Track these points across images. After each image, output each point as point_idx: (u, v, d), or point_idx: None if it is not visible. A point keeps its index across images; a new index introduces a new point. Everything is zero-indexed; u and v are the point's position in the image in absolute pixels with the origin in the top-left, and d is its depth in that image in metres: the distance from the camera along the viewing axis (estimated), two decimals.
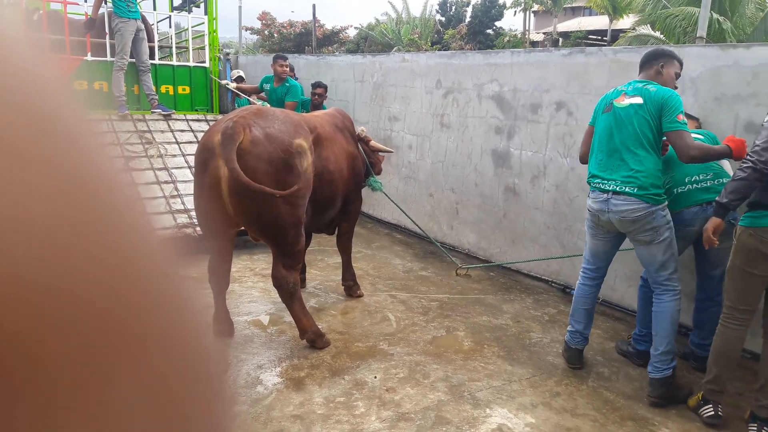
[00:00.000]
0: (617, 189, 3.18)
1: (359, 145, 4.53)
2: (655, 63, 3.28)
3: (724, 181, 3.29)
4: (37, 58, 0.22)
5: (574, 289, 4.71)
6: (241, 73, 8.11)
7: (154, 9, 8.64)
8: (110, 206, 0.23)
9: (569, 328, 3.58)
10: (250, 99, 6.80)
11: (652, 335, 3.24)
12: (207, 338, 0.27)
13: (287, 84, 6.34)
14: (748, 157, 2.81)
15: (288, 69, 6.52)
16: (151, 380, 0.22)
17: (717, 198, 2.93)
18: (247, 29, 24.11)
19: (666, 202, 3.19)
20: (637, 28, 16.22)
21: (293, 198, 3.39)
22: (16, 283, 0.18)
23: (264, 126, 3.39)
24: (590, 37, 28.31)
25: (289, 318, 3.77)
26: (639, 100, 3.17)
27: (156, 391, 0.23)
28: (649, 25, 15.32)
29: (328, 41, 24.05)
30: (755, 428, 2.86)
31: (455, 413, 3.02)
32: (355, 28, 26.90)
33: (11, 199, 0.19)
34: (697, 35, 4.31)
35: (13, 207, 0.18)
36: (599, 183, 3.28)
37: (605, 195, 3.23)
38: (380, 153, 4.85)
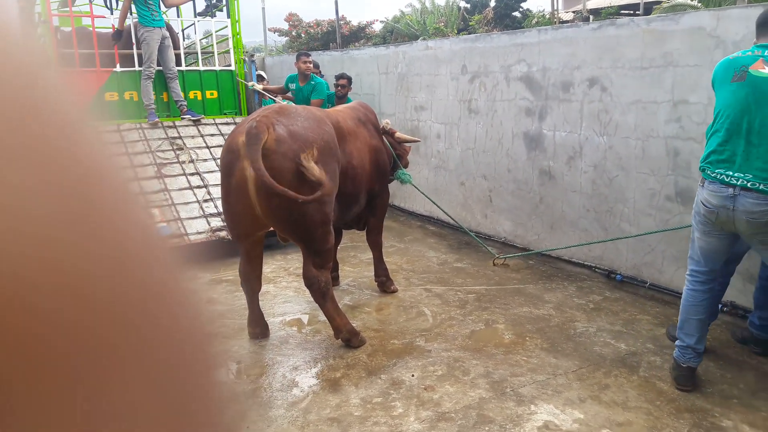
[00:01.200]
0: (749, 185, 2.61)
1: (385, 138, 4.42)
2: None
3: None
4: (39, 64, 0.22)
5: (619, 274, 4.53)
6: (263, 73, 8.12)
7: (178, 16, 8.69)
8: (109, 202, 0.23)
9: (678, 343, 3.07)
10: (276, 99, 6.77)
11: None
12: (208, 333, 0.27)
13: (312, 82, 6.34)
14: None
15: (312, 65, 6.49)
16: (152, 376, 0.22)
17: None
18: (275, 31, 24.29)
19: None
20: None
21: (322, 196, 3.33)
22: (15, 279, 0.18)
23: (287, 124, 3.35)
24: (622, 12, 27.43)
25: (323, 317, 3.70)
26: None
27: (157, 387, 0.22)
28: None
29: (354, 37, 23.98)
30: None
31: (498, 411, 2.88)
32: (381, 22, 26.75)
33: (7, 196, 0.19)
34: None
35: (9, 203, 0.19)
36: (722, 174, 2.70)
37: (730, 190, 2.67)
38: (407, 144, 4.74)
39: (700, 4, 13.71)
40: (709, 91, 3.75)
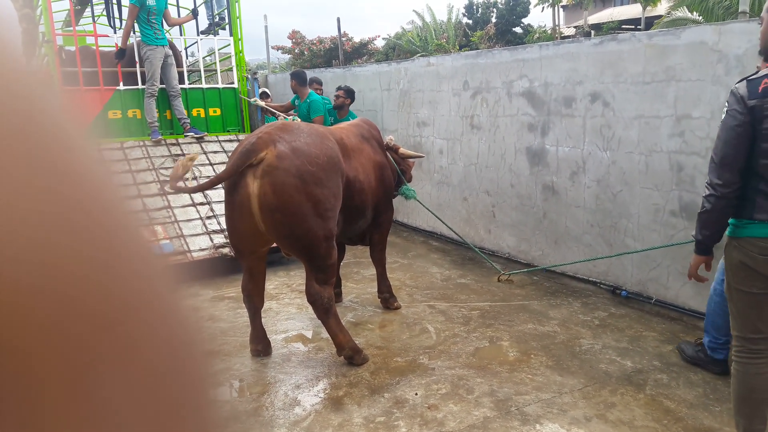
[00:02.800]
0: None
1: (389, 154, 4.43)
2: None
3: None
4: (38, 80, 0.23)
5: (624, 290, 4.48)
6: (266, 90, 8.16)
7: (181, 34, 8.76)
8: (99, 205, 0.23)
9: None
10: (280, 116, 6.80)
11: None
12: (197, 337, 0.27)
13: (308, 100, 6.37)
14: (707, 184, 2.36)
15: (296, 83, 6.55)
16: (141, 379, 0.22)
17: (693, 233, 2.50)
18: (278, 49, 24.51)
19: None
20: (672, 12, 15.63)
21: (323, 210, 3.33)
22: (3, 282, 0.18)
23: (290, 140, 3.36)
24: (623, 27, 27.59)
25: (326, 334, 3.67)
26: None
27: (146, 390, 0.22)
28: (685, 8, 14.75)
29: (357, 54, 24.17)
30: None
31: (503, 431, 2.84)
32: (383, 38, 26.97)
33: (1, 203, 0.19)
34: (740, 10, 4.04)
35: (4, 210, 0.19)
36: None
37: None
38: (411, 159, 4.74)
39: (701, 18, 13.77)
40: (712, 105, 3.75)
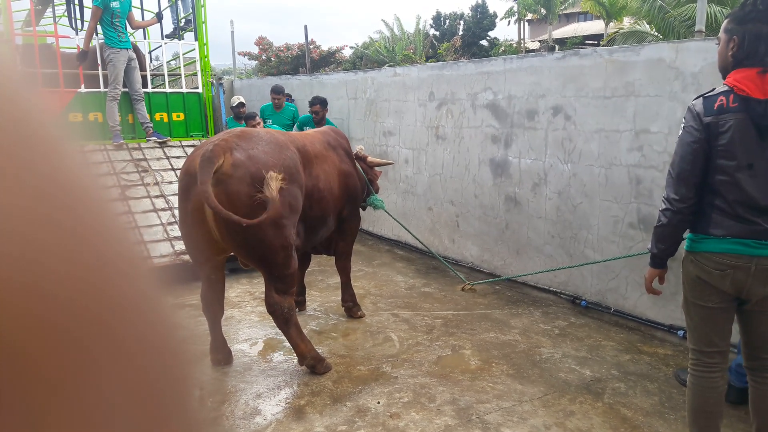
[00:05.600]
0: None
1: (358, 164, 4.42)
2: None
3: None
4: (18, 79, 0.23)
5: (584, 300, 4.57)
6: (242, 99, 7.95)
7: (145, 38, 8.62)
8: (88, 208, 0.23)
9: None
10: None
11: None
12: (181, 338, 0.27)
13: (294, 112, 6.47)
14: (663, 198, 2.40)
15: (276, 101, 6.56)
16: (130, 380, 0.22)
17: (649, 247, 2.54)
18: (245, 55, 24.32)
19: None
20: (632, 26, 16.11)
21: (278, 220, 3.27)
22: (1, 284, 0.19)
23: (247, 148, 3.30)
24: (587, 42, 28.28)
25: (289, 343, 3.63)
26: None
27: (134, 391, 0.22)
28: (645, 22, 15.22)
29: (324, 62, 24.16)
30: None
31: None
32: (351, 47, 27.06)
33: None
34: (696, 30, 4.19)
35: None
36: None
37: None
38: (378, 168, 4.75)
39: (658, 33, 14.20)
40: (669, 120, 3.87)
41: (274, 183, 3.18)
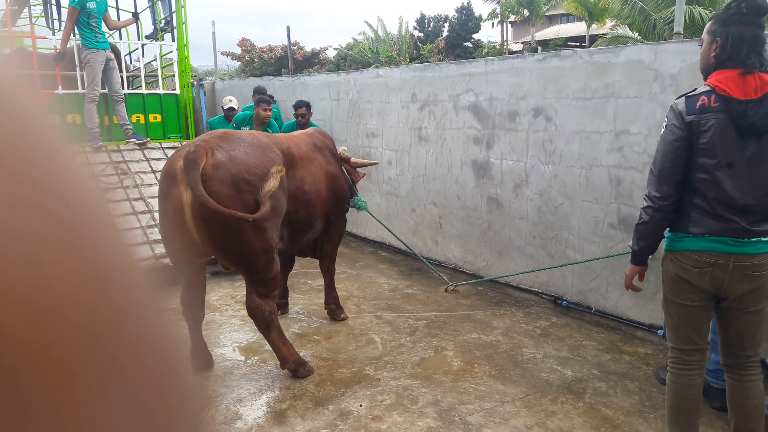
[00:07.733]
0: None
1: (342, 165, 4.39)
2: None
3: None
4: (13, 84, 0.23)
5: (565, 300, 4.59)
6: (233, 104, 7.34)
7: (120, 38, 8.52)
8: (87, 222, 0.23)
9: None
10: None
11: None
12: (179, 352, 0.27)
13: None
14: (645, 195, 2.43)
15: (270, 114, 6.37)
16: (125, 393, 0.22)
17: (630, 244, 2.54)
18: (228, 55, 24.17)
19: None
20: (614, 29, 16.30)
21: (260, 222, 3.24)
22: None
23: (228, 149, 3.27)
24: (569, 43, 28.52)
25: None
26: None
27: (129, 404, 0.22)
28: (627, 27, 15.40)
29: (308, 63, 24.07)
30: None
31: None
32: (335, 49, 27.00)
33: None
34: (674, 31, 4.23)
35: None
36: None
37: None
38: (361, 169, 4.73)
39: (639, 36, 14.37)
40: (648, 122, 3.90)
41: (275, 177, 3.17)
